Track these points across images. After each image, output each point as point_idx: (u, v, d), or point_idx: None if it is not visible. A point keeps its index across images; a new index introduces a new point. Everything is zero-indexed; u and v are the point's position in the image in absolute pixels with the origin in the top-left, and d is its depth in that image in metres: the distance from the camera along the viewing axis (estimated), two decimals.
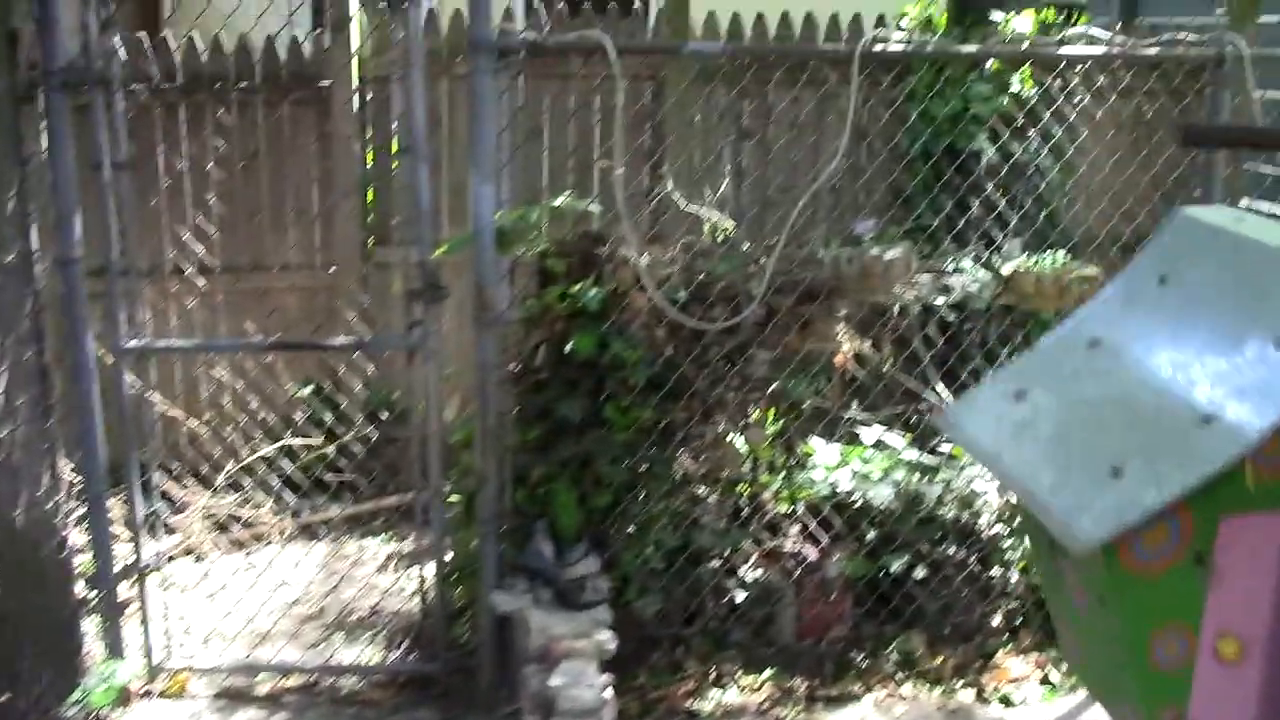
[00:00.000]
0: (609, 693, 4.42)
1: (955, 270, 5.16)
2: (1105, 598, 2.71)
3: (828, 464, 5.48)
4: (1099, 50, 4.85)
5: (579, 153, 6.89)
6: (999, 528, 5.37)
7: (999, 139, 6.21)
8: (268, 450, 6.18)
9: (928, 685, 5.09)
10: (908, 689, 5.07)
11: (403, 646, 5.25)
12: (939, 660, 5.16)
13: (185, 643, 5.26)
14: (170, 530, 5.99)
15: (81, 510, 4.87)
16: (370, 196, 6.88)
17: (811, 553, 5.28)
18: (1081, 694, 4.93)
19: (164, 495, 5.78)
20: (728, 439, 5.19)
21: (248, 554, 6.12)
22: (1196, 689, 2.73)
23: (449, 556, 5.07)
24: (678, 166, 6.18)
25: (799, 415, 5.42)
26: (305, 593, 5.72)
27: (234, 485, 6.27)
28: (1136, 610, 2.69)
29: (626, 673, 4.85)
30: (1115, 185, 5.95)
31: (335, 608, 5.61)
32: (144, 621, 4.96)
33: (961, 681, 5.10)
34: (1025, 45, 5.43)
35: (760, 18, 6.92)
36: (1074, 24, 6.83)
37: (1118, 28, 6.32)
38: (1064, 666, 5.09)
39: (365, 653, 5.27)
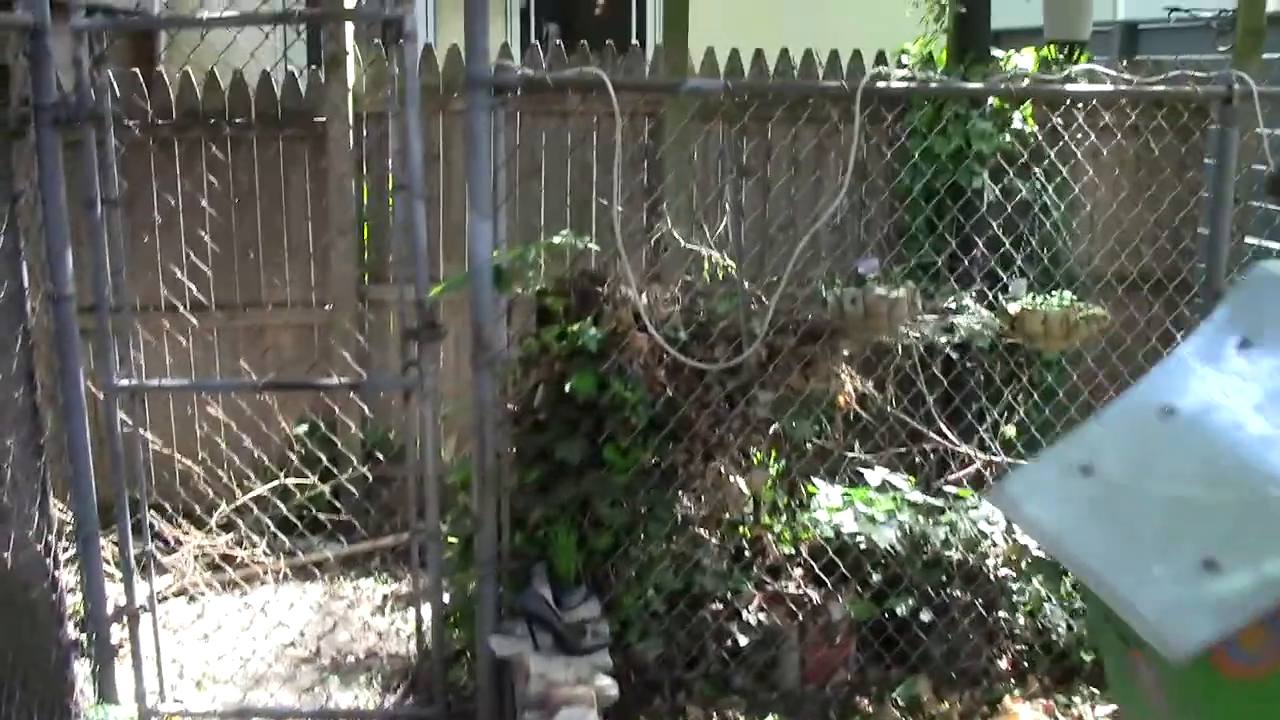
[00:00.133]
0: None
1: (960, 310, 5.10)
2: (1197, 706, 2.48)
3: (831, 505, 5.41)
4: (1106, 87, 4.79)
5: (577, 190, 6.85)
6: (1005, 570, 5.29)
7: (1003, 177, 6.16)
8: (262, 489, 6.09)
9: None
10: None
11: (399, 690, 5.17)
12: (945, 705, 5.07)
13: (178, 685, 5.17)
14: (163, 571, 5.90)
15: (73, 550, 4.79)
16: (366, 234, 6.83)
17: (815, 595, 5.20)
18: None
19: (157, 535, 5.70)
20: (729, 480, 5.11)
21: (242, 594, 6.03)
22: None
23: (446, 599, 4.98)
24: (677, 204, 6.12)
25: (802, 456, 5.34)
26: (300, 634, 5.63)
27: (228, 525, 6.18)
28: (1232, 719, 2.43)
29: (628, 718, 4.76)
30: (1122, 223, 5.91)
31: (331, 650, 5.53)
32: (136, 664, 4.87)
33: None
34: (1027, 82, 5.37)
35: (759, 54, 6.90)
36: (1075, 61, 6.81)
37: (1124, 64, 6.29)
38: (1074, 713, 5.00)
39: (361, 696, 5.18)
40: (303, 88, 6.68)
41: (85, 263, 4.58)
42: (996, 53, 6.85)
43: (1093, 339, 5.15)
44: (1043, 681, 5.20)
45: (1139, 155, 6.36)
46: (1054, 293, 5.13)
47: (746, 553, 5.28)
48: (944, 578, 5.23)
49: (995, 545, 5.33)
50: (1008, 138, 6.54)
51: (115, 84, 6.20)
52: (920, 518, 5.33)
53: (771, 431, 5.13)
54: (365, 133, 6.74)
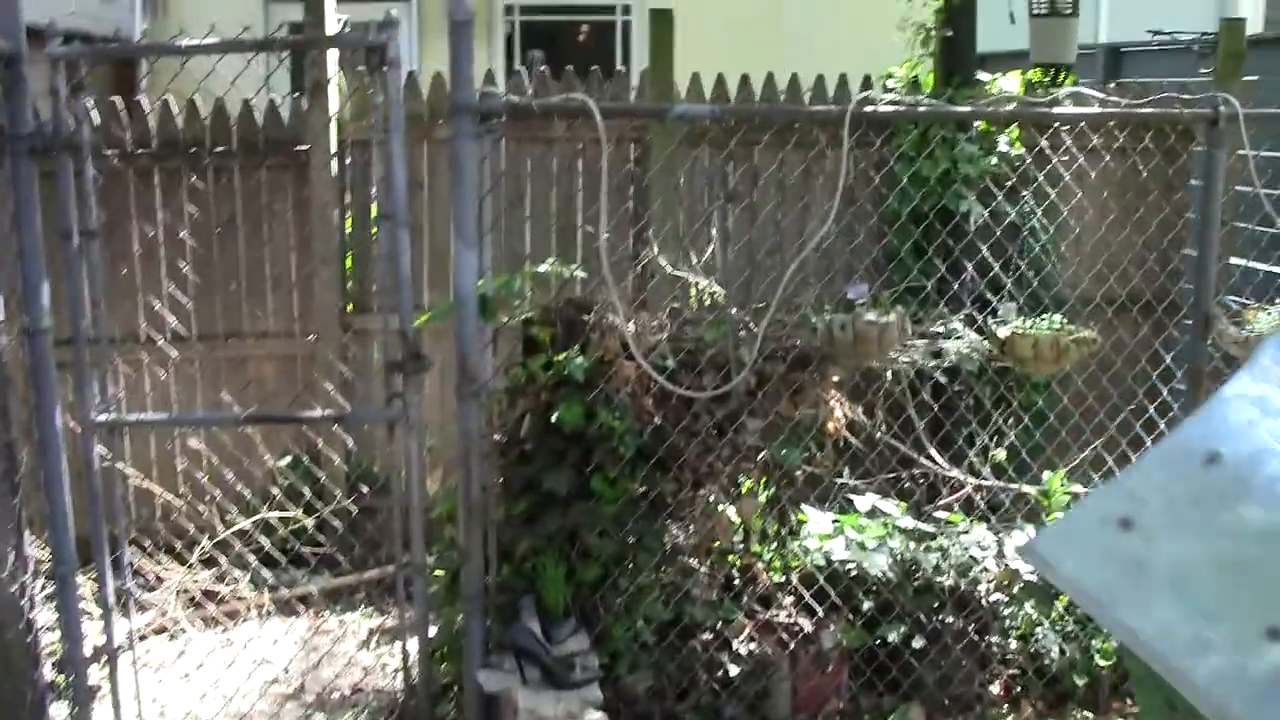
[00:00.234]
0: None
1: (949, 335, 5.06)
2: None
3: (821, 533, 5.35)
4: (1093, 110, 4.77)
5: (562, 217, 6.81)
6: (997, 595, 5.24)
7: (991, 200, 6.13)
8: (245, 523, 6.02)
9: None
10: None
11: None
12: None
13: None
14: (143, 608, 5.81)
15: (50, 589, 4.70)
16: (349, 263, 6.78)
17: (806, 624, 5.14)
18: None
19: (136, 572, 5.61)
20: (719, 509, 5.06)
21: (224, 631, 5.95)
22: None
23: (433, 632, 4.91)
24: (664, 231, 6.08)
25: (791, 483, 5.29)
26: (285, 671, 5.54)
27: (209, 561, 6.10)
28: None
29: None
30: (1111, 246, 5.88)
31: (316, 686, 5.44)
32: (116, 705, 4.77)
33: None
34: (1014, 105, 5.35)
35: (746, 79, 6.87)
36: (1061, 84, 6.81)
37: (1112, 86, 6.28)
38: None
39: None
40: (285, 116, 6.63)
41: (62, 295, 4.50)
42: (982, 76, 6.84)
43: (1083, 362, 5.12)
44: (1036, 706, 5.17)
45: (1126, 177, 6.33)
46: (1043, 316, 5.10)
47: (737, 582, 5.23)
48: (936, 604, 5.19)
49: (987, 570, 5.28)
50: (994, 161, 6.52)
51: (94, 113, 6.15)
52: (911, 544, 5.28)
53: (761, 459, 5.08)
54: (349, 161, 6.70)
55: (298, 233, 6.68)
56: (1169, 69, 7.74)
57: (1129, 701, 5.17)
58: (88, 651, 4.75)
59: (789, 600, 5.23)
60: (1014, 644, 5.26)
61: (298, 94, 6.71)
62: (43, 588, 4.66)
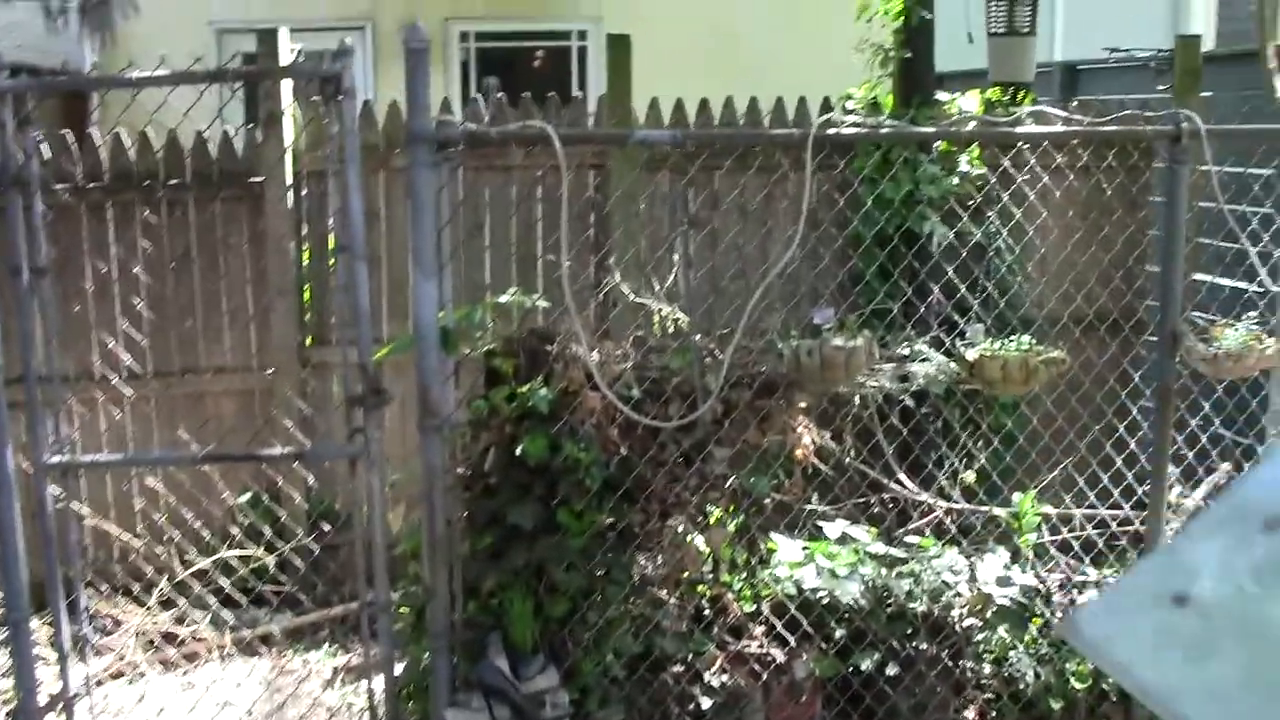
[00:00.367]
0: None
1: (917, 358, 5.02)
2: None
3: (792, 561, 5.29)
4: (1057, 128, 4.75)
5: (522, 246, 6.74)
6: (971, 620, 5.19)
7: (955, 220, 6.11)
8: (204, 563, 5.90)
9: None
10: None
11: None
12: None
13: None
14: (100, 653, 5.68)
15: (3, 635, 4.58)
16: (307, 295, 6.69)
17: (779, 654, 5.07)
18: None
19: (93, 616, 5.49)
20: (688, 539, 4.99)
21: (185, 674, 5.83)
22: None
23: (399, 670, 4.81)
24: (626, 258, 6.02)
25: (760, 511, 5.23)
26: (248, 713, 5.44)
27: (168, 602, 5.98)
28: None
29: None
30: (1077, 265, 5.86)
31: None
32: None
33: None
34: (978, 125, 5.32)
35: (704, 104, 6.84)
36: (1020, 102, 6.80)
37: (1074, 105, 6.27)
38: None
39: None
40: (239, 147, 6.55)
41: (13, 333, 4.41)
42: (941, 96, 6.83)
43: (1051, 382, 5.09)
44: None
45: (1090, 195, 6.32)
46: (1011, 337, 5.06)
47: (707, 612, 5.15)
48: (909, 630, 5.14)
49: (959, 595, 5.23)
50: (955, 181, 6.50)
51: (43, 146, 6.05)
52: (883, 570, 5.23)
53: (729, 488, 5.01)
54: (304, 192, 6.61)
55: (254, 265, 6.59)
56: (1126, 86, 7.76)
57: None
58: (43, 700, 4.63)
59: (760, 630, 5.16)
60: (988, 669, 5.20)
61: (252, 125, 6.63)
62: None
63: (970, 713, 5.16)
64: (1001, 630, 5.22)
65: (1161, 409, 4.77)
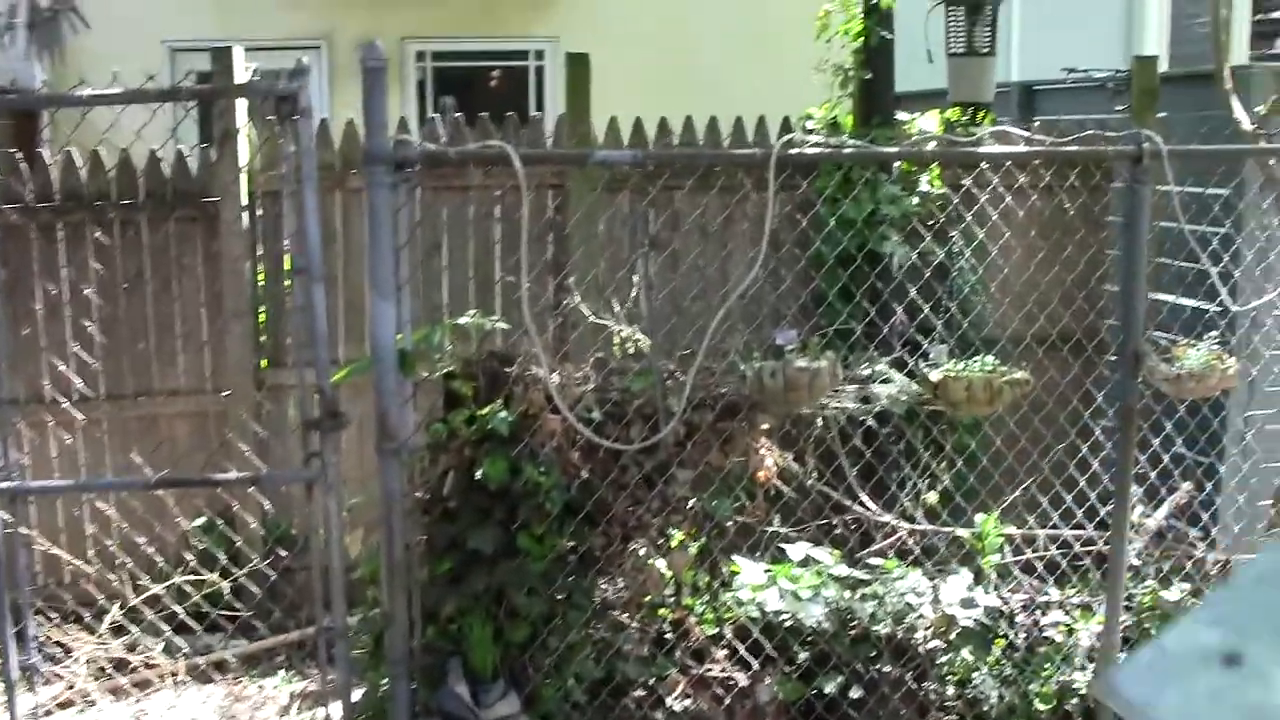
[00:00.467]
0: None
1: (880, 380, 5.00)
2: None
3: (754, 583, 5.25)
4: (1020, 148, 4.74)
5: (481, 267, 6.68)
6: (935, 642, 5.16)
7: (920, 240, 6.10)
8: (157, 588, 5.79)
9: None
10: None
11: None
12: None
13: None
14: (49, 681, 5.57)
15: None
16: (262, 317, 6.60)
17: (741, 678, 5.03)
18: None
19: (42, 644, 5.38)
20: (650, 563, 4.94)
21: (137, 702, 5.71)
22: None
23: (357, 697, 4.73)
24: (587, 280, 5.97)
25: (723, 534, 5.19)
26: None
27: (121, 629, 5.87)
28: None
29: None
30: (1040, 285, 5.85)
31: None
32: None
33: None
34: (941, 145, 5.32)
35: (664, 123, 6.80)
36: (979, 122, 6.81)
37: (1036, 125, 6.29)
38: None
39: None
40: (193, 167, 6.46)
41: None
42: (901, 116, 6.83)
43: (1015, 402, 5.07)
44: None
45: (1054, 215, 6.32)
46: (975, 357, 5.05)
47: (669, 636, 5.10)
48: (873, 653, 5.10)
49: (923, 617, 5.20)
50: (915, 201, 6.50)
51: None
52: (847, 592, 5.19)
53: (691, 510, 4.97)
54: (260, 212, 6.53)
55: (208, 287, 6.50)
56: (1082, 106, 7.79)
57: None
58: None
59: (723, 653, 5.12)
60: (951, 690, 5.17)
61: (206, 145, 6.54)
62: None
63: None
64: (965, 652, 5.19)
65: (1124, 429, 4.76)
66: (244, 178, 6.40)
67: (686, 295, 6.33)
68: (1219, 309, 5.28)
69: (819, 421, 5.33)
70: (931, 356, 5.13)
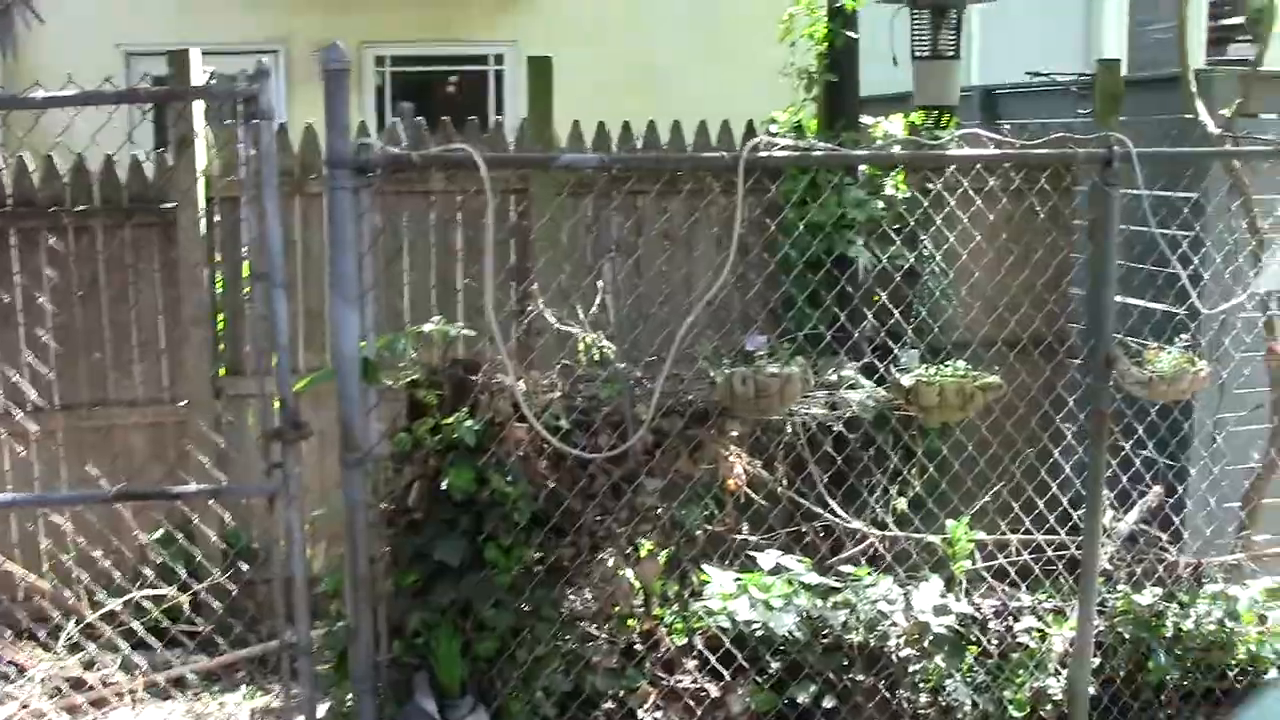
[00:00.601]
0: None
1: (850, 385, 4.95)
2: None
3: (724, 593, 5.18)
4: (990, 151, 4.70)
5: (442, 273, 6.60)
6: (908, 650, 5.11)
7: (889, 244, 6.06)
8: (115, 604, 5.67)
9: None
10: None
11: None
12: None
13: None
14: (2, 701, 5.44)
15: None
16: (221, 325, 6.50)
17: (713, 689, 4.97)
18: None
19: None
20: (619, 573, 4.87)
21: None
22: None
23: (321, 713, 4.64)
24: (553, 286, 5.89)
25: (692, 543, 5.13)
26: None
27: (77, 646, 5.74)
28: None
29: None
30: (1010, 288, 5.81)
31: None
32: None
33: None
34: (911, 148, 5.28)
35: (627, 127, 6.74)
36: (944, 126, 6.79)
37: (1006, 128, 6.27)
38: None
39: None
40: (150, 172, 6.36)
41: None
42: (866, 120, 6.79)
43: (989, 408, 5.04)
44: None
45: (1023, 218, 6.29)
46: (946, 363, 5.01)
47: (639, 647, 5.03)
48: (845, 662, 5.05)
49: (895, 625, 5.15)
50: (880, 205, 6.46)
51: None
52: (818, 601, 5.14)
53: (660, 519, 4.91)
54: (218, 218, 6.42)
55: (166, 294, 6.40)
56: (1045, 110, 7.79)
57: None
58: None
59: (694, 664, 5.05)
60: (925, 698, 5.13)
61: (163, 149, 6.44)
62: None
63: None
64: (938, 659, 5.15)
65: (1096, 433, 4.73)
66: (201, 183, 6.29)
67: (652, 301, 6.27)
68: (1187, 312, 5.26)
69: (788, 428, 5.27)
70: (903, 361, 5.08)
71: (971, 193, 5.30)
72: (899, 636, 5.14)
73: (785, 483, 5.42)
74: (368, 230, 4.25)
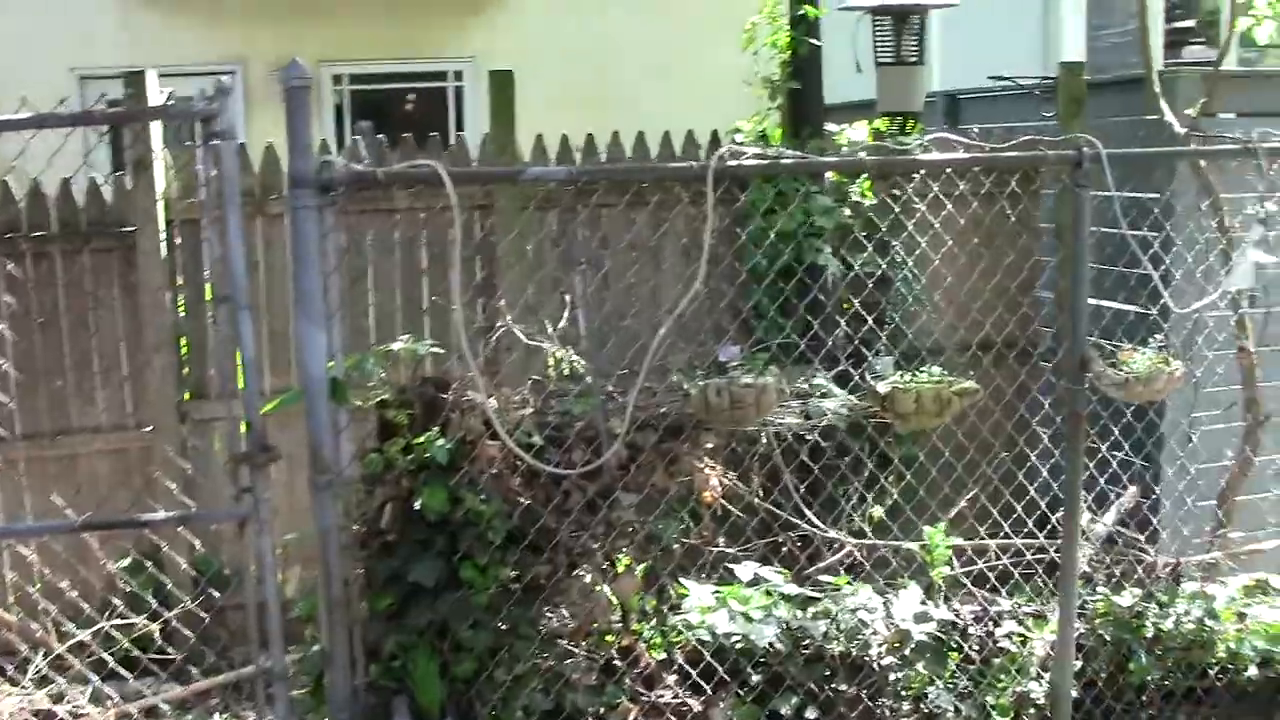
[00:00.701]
0: None
1: (825, 394, 4.92)
2: None
3: (703, 606, 5.13)
4: (960, 155, 4.68)
5: (408, 290, 6.53)
6: (889, 659, 5.08)
7: (860, 251, 6.04)
8: (83, 635, 5.57)
9: None
10: None
11: None
12: None
13: None
14: None
15: None
16: (185, 349, 6.41)
17: (694, 703, 4.92)
18: None
19: None
20: (596, 589, 4.81)
21: None
22: None
23: None
24: (520, 301, 5.83)
25: (669, 557, 5.07)
26: None
27: (46, 679, 5.63)
28: None
29: None
30: (983, 292, 5.79)
31: None
32: None
33: None
34: (880, 154, 5.26)
35: (591, 139, 6.70)
36: (908, 132, 6.78)
37: (975, 132, 6.26)
38: None
39: None
40: (108, 195, 6.27)
41: None
42: (830, 127, 6.78)
43: (966, 414, 5.01)
44: None
45: (994, 222, 6.28)
46: (921, 369, 4.98)
47: (618, 663, 4.97)
48: (827, 672, 5.01)
49: (876, 633, 5.12)
50: (847, 212, 6.44)
51: None
52: (799, 612, 5.10)
53: (637, 535, 4.86)
54: (179, 241, 6.34)
55: (128, 319, 6.32)
56: (1009, 113, 7.80)
57: None
58: None
59: (674, 679, 5.00)
60: (907, 706, 5.10)
61: (120, 172, 6.35)
62: None
63: None
64: (920, 666, 5.12)
65: (1073, 435, 4.71)
66: (161, 205, 6.21)
67: (623, 314, 6.22)
68: (1159, 312, 5.24)
69: (763, 439, 5.23)
70: (878, 369, 5.05)
71: (942, 197, 5.28)
72: (880, 645, 5.11)
73: (761, 494, 5.38)
74: (332, 250, 4.19)
